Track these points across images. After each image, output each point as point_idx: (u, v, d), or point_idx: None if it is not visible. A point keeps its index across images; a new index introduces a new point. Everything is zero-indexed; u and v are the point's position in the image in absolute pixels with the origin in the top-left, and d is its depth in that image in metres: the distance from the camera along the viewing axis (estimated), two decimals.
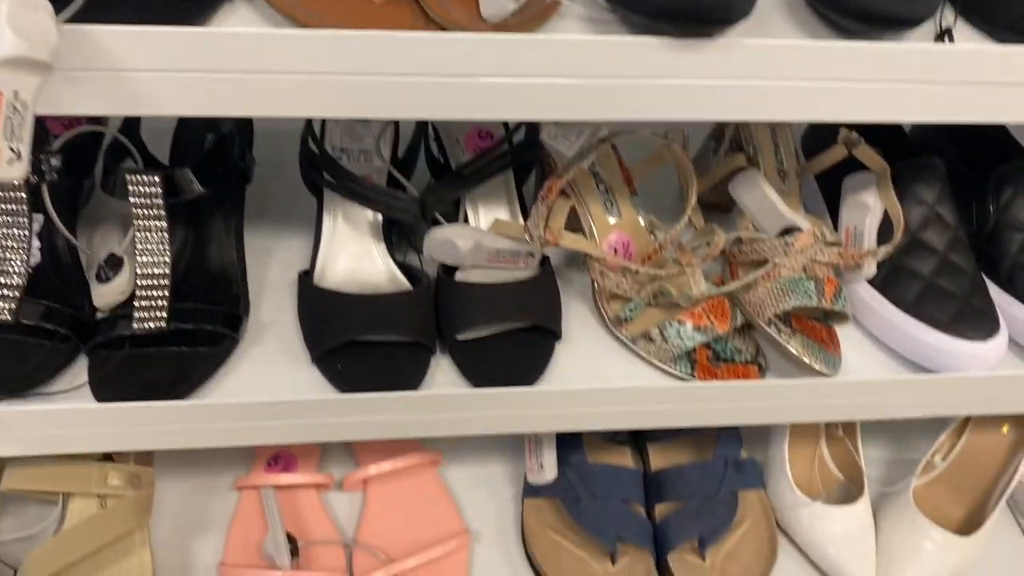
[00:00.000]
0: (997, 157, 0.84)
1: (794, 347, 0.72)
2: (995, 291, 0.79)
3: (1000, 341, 0.74)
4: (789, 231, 0.75)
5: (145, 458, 0.87)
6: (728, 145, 0.84)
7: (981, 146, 0.88)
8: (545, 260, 0.78)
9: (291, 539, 0.85)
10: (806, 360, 0.71)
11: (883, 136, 0.86)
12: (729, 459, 0.93)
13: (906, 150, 0.87)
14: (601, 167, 0.79)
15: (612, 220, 0.78)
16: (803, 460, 0.98)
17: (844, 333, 0.79)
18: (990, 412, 0.83)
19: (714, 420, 0.73)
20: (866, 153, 0.79)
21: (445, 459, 0.98)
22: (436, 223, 0.75)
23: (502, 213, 0.79)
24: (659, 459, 0.96)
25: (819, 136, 0.87)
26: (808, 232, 0.73)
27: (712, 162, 0.86)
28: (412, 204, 0.72)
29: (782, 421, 0.74)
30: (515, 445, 0.98)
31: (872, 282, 0.79)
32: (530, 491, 0.92)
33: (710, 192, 0.86)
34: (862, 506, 0.93)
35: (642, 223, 0.79)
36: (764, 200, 0.76)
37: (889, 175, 0.79)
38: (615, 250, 0.78)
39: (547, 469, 0.90)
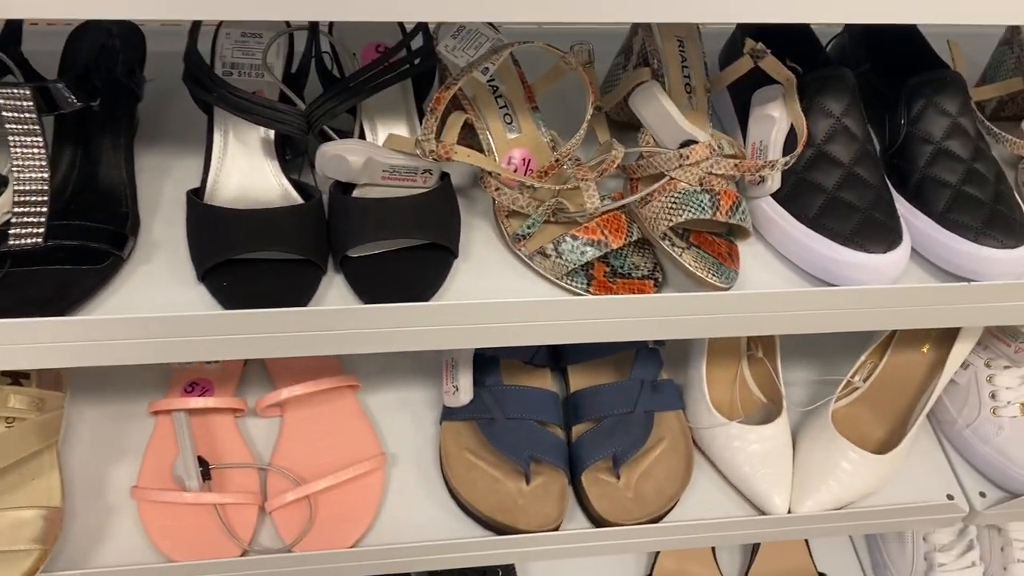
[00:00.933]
0: (912, 70, 0.83)
1: (687, 260, 0.71)
2: (903, 205, 0.79)
3: (900, 254, 0.74)
4: (689, 145, 0.75)
5: (53, 383, 0.87)
6: (636, 60, 0.83)
7: (896, 59, 0.86)
8: (445, 177, 0.77)
9: (202, 462, 0.86)
10: (699, 274, 0.71)
11: (798, 49, 0.85)
12: (646, 380, 0.94)
13: (823, 63, 0.86)
14: (501, 82, 0.78)
15: (512, 136, 0.78)
16: (723, 382, 0.99)
17: (749, 249, 0.79)
18: (890, 327, 0.83)
19: (609, 335, 0.73)
20: (771, 65, 0.78)
21: (366, 384, 0.99)
22: (328, 139, 0.74)
23: (401, 128, 0.78)
24: (578, 381, 0.97)
25: (736, 50, 0.86)
26: (704, 144, 0.73)
27: (622, 78, 0.85)
28: (297, 118, 0.71)
29: (677, 336, 0.75)
30: (436, 371, 0.99)
31: (776, 196, 0.78)
32: (447, 414, 0.93)
33: (620, 109, 0.86)
34: (779, 426, 0.94)
35: (544, 139, 0.78)
36: (662, 113, 0.75)
37: (795, 86, 0.78)
38: (515, 166, 0.77)
39: (462, 391, 0.90)
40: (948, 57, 0.86)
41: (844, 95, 0.78)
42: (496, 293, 0.74)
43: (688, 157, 0.73)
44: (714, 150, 0.73)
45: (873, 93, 0.85)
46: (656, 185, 0.73)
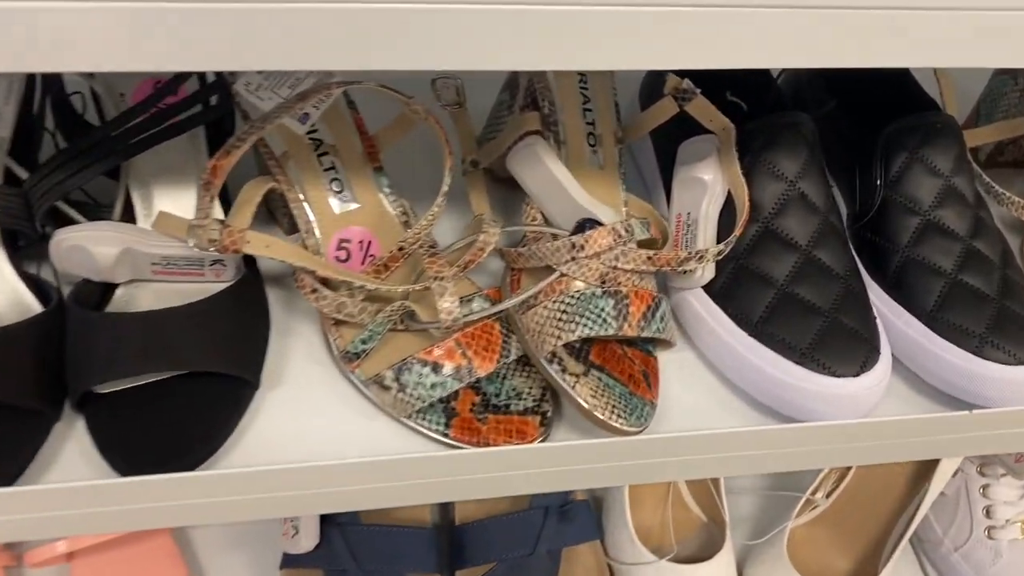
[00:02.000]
0: (890, 110, 0.63)
1: (582, 395, 0.51)
2: (878, 296, 0.59)
3: (878, 375, 0.54)
4: (588, 228, 0.54)
5: None
6: (523, 99, 0.62)
7: (869, 95, 0.67)
8: (251, 266, 0.56)
9: None
10: (598, 414, 0.51)
11: (743, 85, 0.65)
12: (551, 507, 0.73)
13: (775, 102, 0.66)
14: (329, 133, 0.57)
15: (344, 208, 0.56)
16: (653, 498, 0.79)
17: (674, 356, 0.59)
18: (863, 462, 0.63)
19: (475, 492, 0.53)
20: (702, 109, 0.58)
21: None
22: (68, 221, 0.53)
23: (185, 200, 0.56)
24: (466, 509, 0.76)
25: (658, 86, 0.65)
26: (605, 230, 0.52)
27: (506, 122, 0.64)
28: (13, 199, 0.49)
29: (577, 487, 0.55)
30: None
31: (710, 289, 0.58)
32: (287, 560, 0.72)
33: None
34: (721, 562, 0.74)
35: (392, 212, 0.57)
36: (550, 181, 0.54)
37: (733, 138, 0.58)
38: (348, 253, 0.56)
39: (304, 534, 0.69)
40: (936, 91, 0.67)
41: (800, 150, 0.58)
42: (311, 440, 0.52)
43: (584, 247, 0.52)
44: (620, 236, 0.52)
45: (838, 140, 0.65)
46: (541, 285, 0.53)
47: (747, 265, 0.57)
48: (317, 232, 0.55)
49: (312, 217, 0.55)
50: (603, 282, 0.52)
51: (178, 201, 0.56)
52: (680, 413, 0.56)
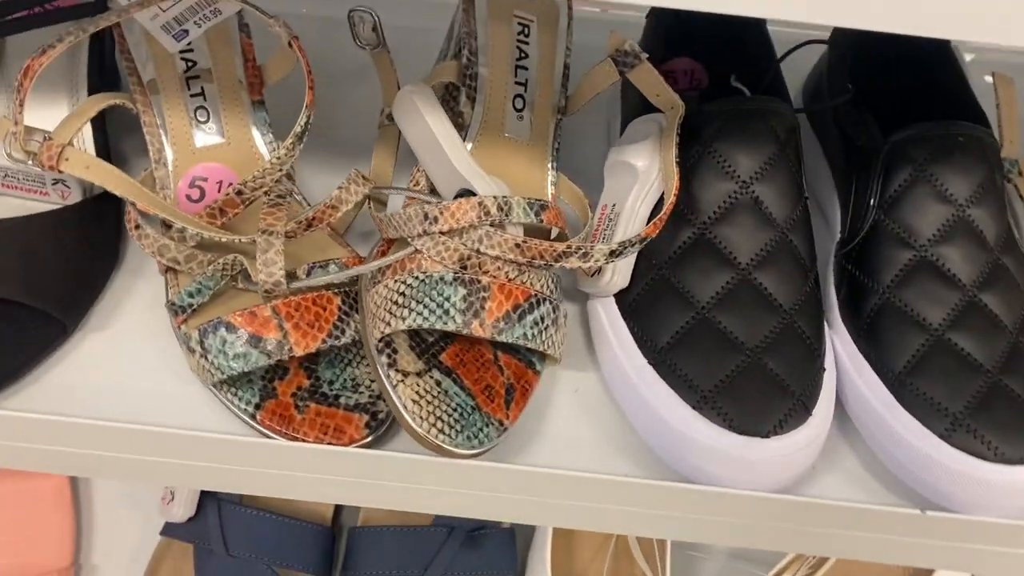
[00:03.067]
0: (918, 117, 0.49)
1: (402, 397, 0.42)
2: (843, 346, 0.47)
3: (798, 440, 0.42)
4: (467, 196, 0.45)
5: None
6: (451, 47, 0.53)
7: (900, 95, 0.53)
8: (103, 195, 0.50)
9: None
10: (416, 426, 0.41)
11: (751, 68, 0.53)
12: (457, 529, 0.64)
13: (771, 85, 0.53)
14: (207, 54, 0.50)
15: (206, 142, 0.49)
16: (594, 542, 0.68)
17: (575, 379, 0.49)
18: (774, 548, 0.50)
19: (264, 488, 0.45)
20: (646, 79, 0.47)
21: None
22: None
23: (58, 108, 0.51)
24: (373, 510, 0.68)
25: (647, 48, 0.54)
26: (469, 202, 0.43)
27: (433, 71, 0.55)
28: None
29: (364, 504, 0.46)
30: None
31: (621, 300, 0.47)
32: (166, 527, 0.66)
33: None
34: None
35: (265, 152, 0.50)
36: (428, 139, 0.45)
37: (677, 120, 0.46)
38: (201, 191, 0.49)
39: (177, 503, 0.63)
40: (990, 101, 0.53)
41: (762, 145, 0.46)
42: (120, 398, 0.46)
43: (437, 219, 0.43)
44: (488, 214, 0.43)
45: (843, 145, 0.53)
46: (386, 259, 0.44)
47: (668, 277, 0.46)
48: (169, 163, 0.48)
49: (166, 146, 0.49)
50: (463, 267, 0.43)
51: (50, 107, 0.51)
52: (558, 446, 0.46)
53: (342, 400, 0.45)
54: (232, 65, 0.50)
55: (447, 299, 0.42)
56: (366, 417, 0.44)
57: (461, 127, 0.50)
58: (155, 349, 0.48)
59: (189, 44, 0.49)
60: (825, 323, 0.47)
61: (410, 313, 0.42)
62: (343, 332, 0.44)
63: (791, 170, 0.47)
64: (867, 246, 0.48)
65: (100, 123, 0.50)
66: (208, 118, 0.49)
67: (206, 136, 0.49)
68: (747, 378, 0.43)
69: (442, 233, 0.43)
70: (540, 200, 0.45)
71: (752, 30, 0.55)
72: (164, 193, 0.48)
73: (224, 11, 0.48)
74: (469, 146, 0.50)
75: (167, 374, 0.47)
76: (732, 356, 0.43)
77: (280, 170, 0.45)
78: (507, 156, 0.50)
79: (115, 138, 0.53)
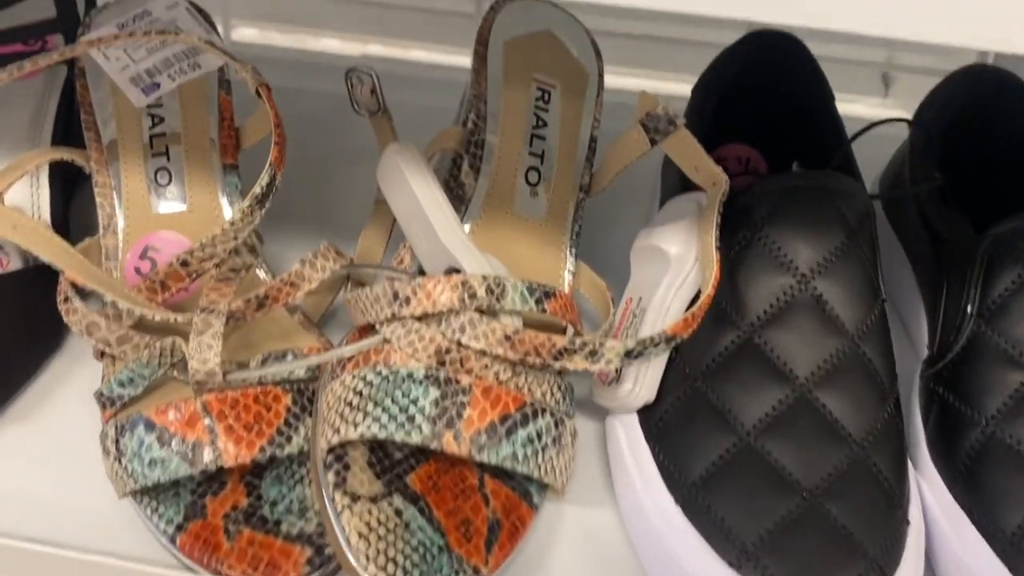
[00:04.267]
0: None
1: (348, 527, 0.32)
2: (934, 494, 0.36)
3: None
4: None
5: None
6: (463, 112, 0.46)
7: (1000, 179, 0.44)
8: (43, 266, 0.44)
9: None
10: (356, 566, 0.32)
11: (818, 150, 0.45)
12: None
13: (842, 165, 0.45)
14: (180, 109, 0.44)
15: (166, 208, 0.43)
16: None
17: (585, 516, 0.39)
18: None
19: None
20: (683, 149, 0.39)
21: None
22: None
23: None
24: None
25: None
26: (450, 281, 0.34)
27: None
28: None
29: None
30: None
31: (647, 419, 0.38)
32: None
33: None
34: None
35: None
36: (411, 206, 0.38)
37: (719, 198, 0.38)
38: (152, 263, 0.42)
39: None
40: None
41: (829, 232, 0.37)
42: (17, 504, 0.38)
43: (409, 301, 0.34)
44: (472, 297, 0.34)
45: (931, 244, 0.43)
46: (352, 348, 0.36)
47: (706, 392, 0.36)
48: (120, 230, 0.42)
49: (118, 211, 0.42)
50: (440, 362, 0.34)
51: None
52: None
53: (283, 527, 0.36)
54: (205, 124, 0.44)
55: (414, 402, 0.33)
56: (309, 551, 0.35)
57: (462, 200, 0.42)
58: (82, 449, 0.40)
59: (159, 99, 0.43)
60: (909, 462, 0.37)
61: (364, 418, 0.33)
62: (289, 440, 0.36)
63: (864, 264, 0.38)
64: (964, 364, 0.38)
65: (60, 184, 0.44)
66: (170, 181, 0.43)
67: (166, 202, 0.43)
68: (803, 528, 0.32)
69: (415, 318, 0.34)
70: (544, 285, 0.37)
71: (818, 107, 0.47)
72: (109, 264, 0.41)
73: (204, 65, 0.43)
74: (469, 225, 0.42)
75: (93, 481, 0.39)
76: (784, 498, 0.33)
77: (235, 238, 0.38)
78: (516, 237, 0.42)
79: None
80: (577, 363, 0.34)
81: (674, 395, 0.37)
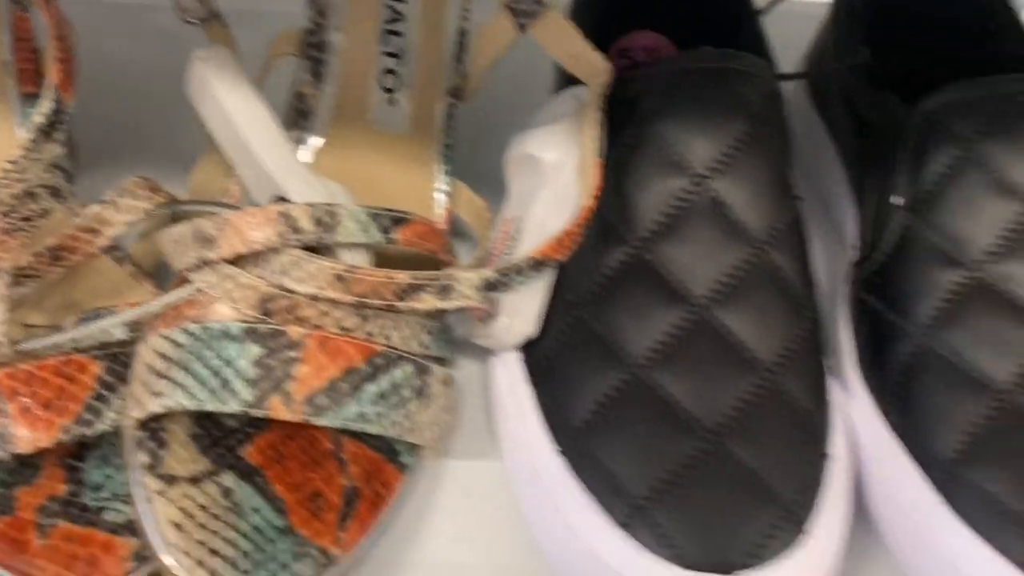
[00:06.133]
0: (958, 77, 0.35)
1: (160, 515, 0.28)
2: (863, 421, 0.32)
3: (789, 572, 0.27)
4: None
5: None
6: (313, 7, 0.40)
7: (933, 51, 0.39)
8: None
9: None
10: (168, 559, 0.27)
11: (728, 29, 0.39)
12: None
13: (751, 42, 0.39)
14: None
15: None
16: None
17: (469, 474, 0.34)
18: None
19: None
20: (557, 36, 0.33)
21: None
22: None
23: None
24: None
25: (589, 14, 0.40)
26: (265, 212, 0.29)
27: None
28: None
29: None
30: None
31: (529, 358, 0.33)
32: None
33: None
34: None
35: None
36: (226, 123, 0.32)
37: (600, 94, 0.33)
38: None
39: None
40: None
41: (727, 117, 0.32)
42: None
43: (215, 241, 0.29)
44: (295, 230, 0.29)
45: (858, 130, 0.38)
46: (159, 302, 0.30)
47: (590, 321, 0.31)
48: None
49: None
50: (265, 312, 0.29)
51: None
52: None
53: (108, 516, 0.31)
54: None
55: (228, 364, 0.28)
56: (135, 543, 0.30)
57: (305, 114, 0.36)
58: None
59: None
60: (832, 386, 0.32)
61: (170, 387, 0.28)
62: (98, 415, 0.31)
63: (772, 157, 0.32)
64: (894, 266, 0.33)
65: None
66: None
67: None
68: (703, 475, 0.28)
69: (227, 261, 0.29)
70: (393, 210, 0.31)
71: None
72: None
73: None
74: (320, 141, 0.36)
75: None
76: (680, 441, 0.28)
77: (19, 180, 0.32)
78: (374, 155, 0.37)
79: None
80: (427, 302, 0.29)
81: (556, 328, 0.32)
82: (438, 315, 0.32)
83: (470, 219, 0.38)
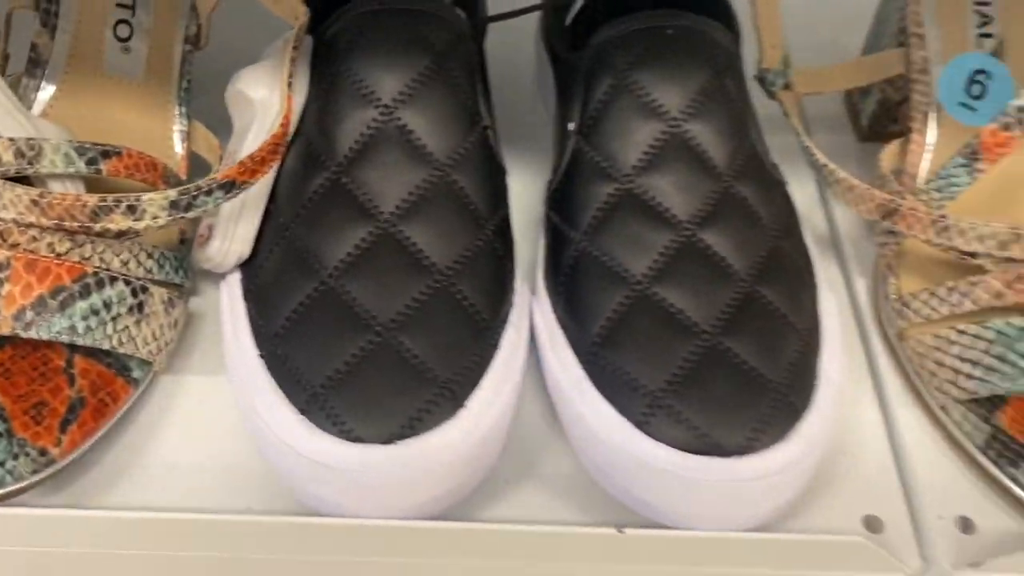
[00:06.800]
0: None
1: None
2: (543, 315, 0.37)
3: (441, 440, 0.31)
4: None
5: None
6: None
7: None
8: None
9: None
10: None
11: None
12: None
13: None
14: None
15: None
16: None
17: (196, 390, 0.38)
18: None
19: None
20: None
21: None
22: None
23: None
24: None
25: None
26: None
27: None
28: None
29: None
30: None
31: (246, 278, 0.37)
32: None
33: None
34: None
35: None
36: None
37: (298, 34, 0.36)
38: None
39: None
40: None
41: (414, 54, 0.36)
42: None
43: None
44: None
45: (554, 68, 0.43)
46: None
47: (293, 240, 0.35)
48: None
49: None
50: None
51: None
52: (146, 480, 0.35)
53: None
54: None
55: None
56: None
57: (38, 64, 0.39)
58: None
59: None
60: (520, 289, 0.37)
61: None
62: None
63: (456, 89, 0.37)
64: (567, 184, 0.38)
65: None
66: None
67: None
68: (373, 364, 0.32)
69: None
70: (104, 145, 0.34)
71: None
72: None
73: None
74: (52, 89, 0.39)
75: None
76: (357, 337, 0.33)
77: None
78: (109, 101, 0.40)
79: None
80: (118, 222, 0.32)
81: (268, 248, 0.36)
82: (133, 235, 0.35)
83: (209, 156, 0.41)
